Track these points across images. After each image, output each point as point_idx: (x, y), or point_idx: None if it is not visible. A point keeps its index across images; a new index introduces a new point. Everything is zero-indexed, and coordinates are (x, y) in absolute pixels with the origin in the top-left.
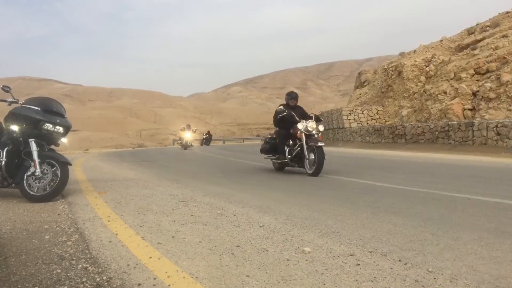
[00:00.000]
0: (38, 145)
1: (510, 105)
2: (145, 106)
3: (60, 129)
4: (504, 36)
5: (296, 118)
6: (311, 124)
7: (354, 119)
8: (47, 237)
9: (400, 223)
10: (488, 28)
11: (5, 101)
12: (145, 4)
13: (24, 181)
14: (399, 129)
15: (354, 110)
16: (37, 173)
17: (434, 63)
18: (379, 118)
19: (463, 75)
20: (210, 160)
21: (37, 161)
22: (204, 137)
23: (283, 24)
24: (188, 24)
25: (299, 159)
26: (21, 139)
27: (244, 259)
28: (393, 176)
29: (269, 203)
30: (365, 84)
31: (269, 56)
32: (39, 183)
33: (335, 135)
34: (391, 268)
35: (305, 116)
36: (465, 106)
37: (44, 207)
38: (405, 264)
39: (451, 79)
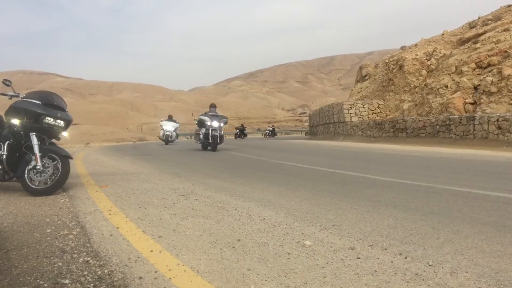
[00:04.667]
0: (39, 138)
1: (511, 99)
2: (146, 100)
3: (61, 122)
4: (506, 30)
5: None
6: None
7: (355, 113)
8: (48, 230)
9: (400, 216)
10: (489, 21)
11: (6, 95)
12: None
13: (25, 175)
14: (400, 123)
15: (355, 104)
16: (38, 167)
17: (435, 57)
18: (380, 112)
19: (465, 69)
20: (211, 154)
21: (38, 154)
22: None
23: (284, 18)
24: (189, 19)
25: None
26: (22, 133)
27: (245, 252)
28: (393, 170)
29: (270, 196)
30: (366, 78)
31: (270, 50)
32: (40, 176)
33: (336, 129)
34: (392, 262)
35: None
36: (466, 100)
37: (46, 200)
38: (406, 258)
39: (453, 73)
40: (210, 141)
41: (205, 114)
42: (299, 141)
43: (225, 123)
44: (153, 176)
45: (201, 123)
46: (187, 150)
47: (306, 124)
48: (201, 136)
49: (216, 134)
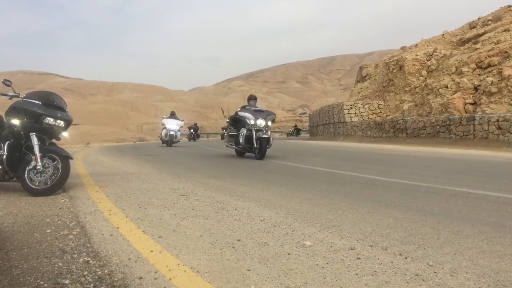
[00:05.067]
0: (39, 139)
1: (511, 100)
2: (146, 100)
3: (61, 123)
4: (506, 30)
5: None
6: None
7: (355, 113)
8: (48, 230)
9: (400, 217)
10: (490, 22)
11: (6, 95)
12: None
13: (26, 175)
14: (400, 123)
15: (355, 104)
16: (38, 167)
17: (435, 57)
18: (380, 112)
19: (465, 69)
20: (211, 154)
21: (38, 155)
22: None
23: (284, 19)
24: (190, 19)
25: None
26: (22, 133)
27: (245, 252)
28: (393, 171)
29: (270, 197)
30: (366, 78)
31: (270, 50)
32: (40, 176)
33: (336, 129)
34: (392, 262)
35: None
36: (467, 101)
37: (46, 200)
38: (406, 258)
39: (453, 73)
40: (255, 145)
41: (245, 110)
42: (300, 142)
43: (273, 120)
44: (153, 176)
45: (237, 122)
46: (188, 151)
47: (306, 124)
48: (241, 140)
49: (264, 136)
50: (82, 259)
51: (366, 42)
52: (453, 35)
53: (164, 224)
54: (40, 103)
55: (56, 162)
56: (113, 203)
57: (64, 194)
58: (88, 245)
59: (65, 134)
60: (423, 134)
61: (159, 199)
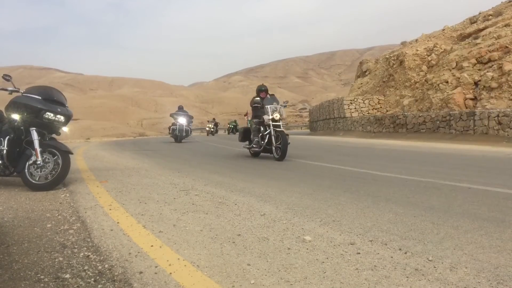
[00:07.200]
0: (39, 134)
1: (511, 95)
2: (146, 95)
3: (61, 118)
4: (507, 25)
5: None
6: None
7: (355, 108)
8: (49, 225)
9: (400, 212)
10: (490, 17)
11: (6, 90)
12: None
13: (26, 170)
14: (400, 118)
15: (355, 99)
16: (38, 162)
17: (436, 52)
18: (380, 107)
19: (465, 64)
20: (212, 150)
21: (38, 150)
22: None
23: (285, 14)
24: (190, 14)
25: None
26: (22, 128)
27: (245, 247)
28: (393, 166)
29: (270, 192)
30: (366, 73)
31: (270, 45)
32: (40, 171)
33: (336, 124)
34: (392, 257)
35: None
36: (467, 96)
37: (46, 195)
38: (405, 253)
39: (453, 68)
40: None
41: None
42: (298, 137)
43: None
44: (153, 171)
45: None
46: (186, 145)
47: (307, 119)
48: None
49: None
50: (82, 254)
51: (366, 37)
52: (453, 30)
53: (164, 219)
54: (40, 98)
55: (56, 157)
56: (113, 198)
57: (65, 189)
58: (89, 239)
59: (65, 129)
60: (423, 129)
61: (159, 194)
